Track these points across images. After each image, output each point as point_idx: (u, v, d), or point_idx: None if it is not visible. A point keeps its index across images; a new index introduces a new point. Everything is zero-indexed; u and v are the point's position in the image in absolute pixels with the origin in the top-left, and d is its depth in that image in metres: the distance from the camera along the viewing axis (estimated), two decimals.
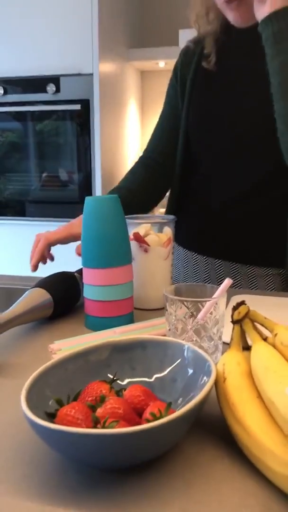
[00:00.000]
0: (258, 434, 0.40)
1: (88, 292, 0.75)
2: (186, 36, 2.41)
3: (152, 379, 0.51)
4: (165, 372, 0.50)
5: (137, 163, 1.13)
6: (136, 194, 1.06)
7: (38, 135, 2.28)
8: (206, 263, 1.08)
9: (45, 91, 2.21)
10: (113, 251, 0.73)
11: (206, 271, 1.08)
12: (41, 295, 0.75)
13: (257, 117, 0.95)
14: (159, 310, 0.82)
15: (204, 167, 1.06)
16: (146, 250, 0.81)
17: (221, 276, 1.06)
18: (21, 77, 2.24)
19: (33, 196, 2.34)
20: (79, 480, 0.40)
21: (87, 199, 0.74)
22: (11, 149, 2.34)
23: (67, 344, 0.67)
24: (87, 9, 2.10)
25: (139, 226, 0.83)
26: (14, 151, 2.33)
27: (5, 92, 2.28)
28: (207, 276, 1.08)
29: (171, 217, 0.86)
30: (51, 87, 2.19)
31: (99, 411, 0.42)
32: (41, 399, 0.43)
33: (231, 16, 0.94)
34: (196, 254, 1.10)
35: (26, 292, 0.75)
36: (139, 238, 0.81)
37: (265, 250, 1.02)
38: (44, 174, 2.30)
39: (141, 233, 0.82)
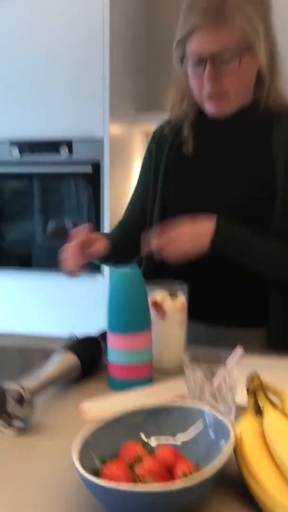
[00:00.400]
0: (270, 488, 0.49)
1: (112, 356, 0.83)
2: None
3: (178, 441, 0.59)
4: (189, 434, 0.59)
5: (115, 227, 1.25)
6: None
7: (48, 191, 2.44)
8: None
9: (58, 152, 2.36)
10: (136, 319, 0.83)
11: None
12: (70, 359, 0.83)
13: (230, 201, 1.05)
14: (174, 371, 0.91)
15: None
16: (163, 317, 0.90)
17: (202, 338, 1.08)
18: (35, 140, 2.40)
19: (38, 245, 2.46)
20: None
21: (112, 273, 0.85)
22: (17, 197, 2.48)
23: (96, 404, 0.75)
24: (98, 78, 2.27)
25: (154, 292, 0.92)
26: (19, 199, 2.48)
27: (20, 153, 2.43)
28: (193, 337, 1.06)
29: (183, 283, 0.95)
30: (64, 150, 2.34)
31: (138, 469, 0.50)
32: (87, 458, 0.51)
33: (210, 108, 1.04)
34: None
35: (57, 357, 0.84)
36: (157, 307, 0.90)
37: (246, 311, 1.08)
38: (51, 225, 2.43)
39: (158, 299, 0.91)
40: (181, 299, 0.93)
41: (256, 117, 1.06)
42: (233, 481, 0.54)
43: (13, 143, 2.45)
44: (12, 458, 0.61)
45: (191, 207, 1.07)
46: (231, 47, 0.95)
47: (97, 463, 0.52)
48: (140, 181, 1.23)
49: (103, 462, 0.52)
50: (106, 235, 1.15)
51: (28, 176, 2.50)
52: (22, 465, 0.59)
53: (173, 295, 0.92)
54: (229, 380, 0.67)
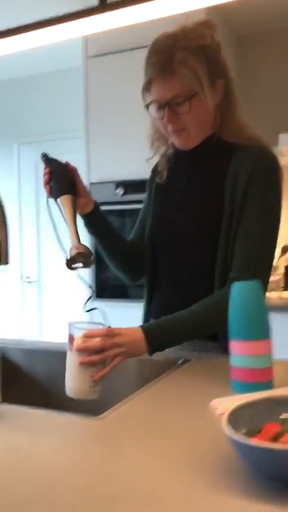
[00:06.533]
0: None
1: (236, 361, 0.91)
2: (286, 140, 2.66)
3: None
4: None
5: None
6: (123, 239, 1.36)
7: None
8: None
9: None
10: (256, 326, 0.90)
11: None
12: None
13: (196, 223, 1.20)
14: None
15: (163, 258, 1.30)
16: (70, 349, 0.95)
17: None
18: (137, 180, 2.59)
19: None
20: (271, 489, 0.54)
21: (235, 285, 0.93)
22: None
23: (225, 401, 0.82)
24: None
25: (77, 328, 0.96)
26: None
27: (125, 193, 2.64)
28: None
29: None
30: None
31: (282, 440, 0.57)
32: (235, 429, 0.59)
33: (176, 142, 1.21)
34: None
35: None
36: (70, 339, 0.95)
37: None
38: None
39: (74, 333, 0.95)
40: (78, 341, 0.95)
41: (216, 148, 1.20)
42: None
43: (119, 184, 2.66)
44: (159, 431, 0.70)
45: (163, 228, 1.28)
46: (180, 93, 1.11)
47: (245, 435, 0.59)
48: (142, 210, 1.41)
49: (250, 435, 0.59)
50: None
51: (123, 212, 2.69)
52: (168, 441, 0.68)
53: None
54: None
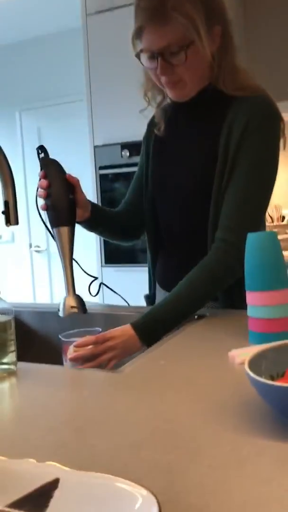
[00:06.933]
0: None
1: (253, 312, 0.90)
2: None
3: None
4: None
5: (118, 207, 1.36)
6: (114, 213, 1.32)
7: None
8: None
9: None
10: (273, 276, 0.89)
11: None
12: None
13: (194, 179, 1.15)
14: None
15: (162, 217, 1.26)
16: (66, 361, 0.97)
17: None
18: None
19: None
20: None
21: (250, 235, 0.91)
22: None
23: (244, 351, 0.82)
24: None
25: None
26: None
27: (131, 155, 2.59)
28: None
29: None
30: None
31: None
32: (257, 374, 0.58)
33: (170, 95, 1.15)
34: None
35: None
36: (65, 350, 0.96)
37: None
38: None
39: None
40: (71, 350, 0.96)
41: (213, 99, 1.13)
42: None
43: (124, 146, 2.61)
44: (179, 381, 0.70)
45: (163, 187, 1.22)
46: (175, 42, 1.03)
47: (267, 378, 0.58)
48: (138, 167, 1.35)
49: (272, 379, 0.58)
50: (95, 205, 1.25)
51: (129, 175, 2.65)
52: (189, 390, 0.68)
53: None
54: None
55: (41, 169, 1.10)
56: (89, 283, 1.27)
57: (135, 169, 2.70)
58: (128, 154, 2.66)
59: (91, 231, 1.29)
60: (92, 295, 1.26)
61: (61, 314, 1.02)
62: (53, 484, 0.40)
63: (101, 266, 2.72)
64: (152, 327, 1.00)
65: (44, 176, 1.09)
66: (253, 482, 0.44)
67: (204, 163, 1.15)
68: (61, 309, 1.02)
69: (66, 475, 0.41)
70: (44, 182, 1.08)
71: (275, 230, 1.89)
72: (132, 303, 1.34)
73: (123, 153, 2.68)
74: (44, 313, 1.34)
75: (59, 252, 1.06)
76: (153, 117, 1.31)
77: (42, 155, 1.10)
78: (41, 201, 1.11)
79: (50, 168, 1.09)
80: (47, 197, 1.08)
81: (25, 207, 3.87)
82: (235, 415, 0.58)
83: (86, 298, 1.22)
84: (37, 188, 1.10)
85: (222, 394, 0.65)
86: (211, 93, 1.14)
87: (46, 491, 0.39)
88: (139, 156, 1.36)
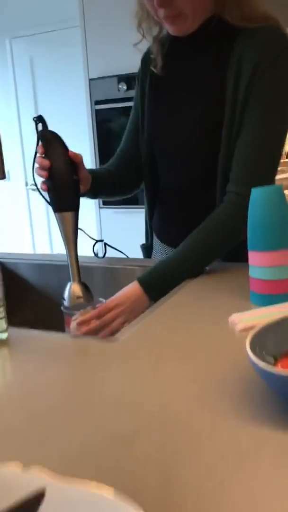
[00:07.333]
0: None
1: (255, 272, 0.85)
2: None
3: None
4: None
5: (112, 158, 1.26)
6: (112, 172, 1.20)
7: None
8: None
9: None
10: (277, 235, 0.83)
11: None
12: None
13: (197, 126, 1.06)
14: None
15: (161, 167, 1.18)
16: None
17: None
18: None
19: None
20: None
21: (254, 191, 0.84)
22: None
23: (245, 316, 0.78)
24: None
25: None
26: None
27: (128, 88, 2.44)
28: None
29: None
30: None
31: None
32: (259, 356, 0.55)
33: (169, 29, 1.02)
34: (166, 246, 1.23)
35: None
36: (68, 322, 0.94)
37: None
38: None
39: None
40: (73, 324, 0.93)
41: (218, 32, 1.01)
42: None
43: (121, 78, 2.46)
44: (176, 353, 0.67)
45: (162, 133, 1.13)
46: None
47: (270, 359, 0.55)
48: (133, 109, 1.23)
49: (275, 359, 0.55)
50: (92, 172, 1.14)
51: (126, 110, 2.51)
52: (187, 364, 0.64)
53: None
54: None
55: (38, 142, 0.99)
56: (92, 244, 1.22)
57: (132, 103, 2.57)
58: (125, 87, 2.51)
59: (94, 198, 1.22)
60: (98, 257, 1.21)
61: (66, 303, 0.98)
62: (37, 499, 0.37)
63: (99, 207, 2.65)
64: (160, 282, 0.96)
65: (44, 152, 0.98)
66: (252, 484, 0.41)
67: (209, 106, 1.04)
68: (66, 297, 0.99)
69: (53, 487, 0.38)
70: (45, 162, 0.97)
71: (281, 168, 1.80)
72: (132, 248, 1.30)
73: (120, 86, 2.54)
74: (43, 266, 1.30)
75: (62, 236, 1.00)
76: (148, 52, 1.17)
77: (40, 126, 0.99)
78: (39, 178, 1.02)
79: (52, 145, 0.98)
80: (48, 178, 0.98)
81: (19, 143, 3.74)
82: (235, 397, 0.55)
83: (92, 259, 1.18)
84: (34, 160, 1.00)
85: (222, 368, 0.62)
86: (215, 24, 1.01)
87: (30, 507, 0.37)
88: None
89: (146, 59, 1.17)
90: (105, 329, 0.90)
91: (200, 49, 1.06)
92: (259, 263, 0.85)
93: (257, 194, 0.84)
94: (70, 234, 0.99)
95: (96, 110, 2.62)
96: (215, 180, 1.06)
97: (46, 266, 1.30)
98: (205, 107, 1.06)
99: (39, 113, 3.25)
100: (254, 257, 0.85)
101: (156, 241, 1.28)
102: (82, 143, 3.03)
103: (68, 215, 0.98)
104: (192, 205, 1.13)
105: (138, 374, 0.62)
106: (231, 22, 1.00)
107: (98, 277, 1.22)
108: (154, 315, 0.84)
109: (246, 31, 0.98)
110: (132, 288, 0.95)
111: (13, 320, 0.80)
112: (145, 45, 1.15)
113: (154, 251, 1.30)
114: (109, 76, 2.56)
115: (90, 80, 2.62)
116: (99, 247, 1.22)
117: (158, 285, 0.96)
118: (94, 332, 0.91)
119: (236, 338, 0.72)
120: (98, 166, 2.69)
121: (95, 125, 2.63)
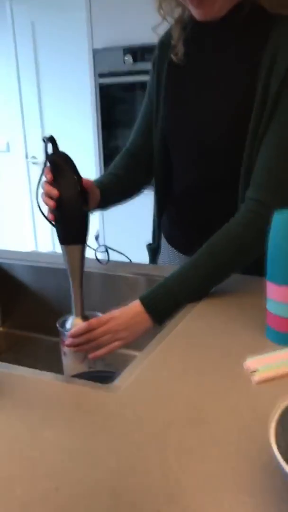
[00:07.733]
0: None
1: (273, 307, 0.76)
2: None
3: None
4: None
5: (120, 154, 1.15)
6: (121, 178, 1.10)
7: None
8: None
9: None
10: None
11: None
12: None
13: (221, 123, 0.95)
14: None
15: (176, 165, 1.07)
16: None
17: None
18: (150, 44, 2.23)
19: None
20: None
21: (276, 216, 0.74)
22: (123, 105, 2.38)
23: (262, 362, 0.70)
24: None
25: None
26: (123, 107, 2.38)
27: (135, 60, 2.28)
28: None
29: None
30: None
31: None
32: (283, 440, 0.46)
33: (195, 14, 0.90)
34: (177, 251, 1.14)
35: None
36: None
37: None
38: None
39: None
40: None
41: (250, 19, 0.89)
42: None
43: (127, 50, 2.30)
44: (184, 412, 0.59)
45: (179, 129, 1.02)
46: None
47: None
48: (146, 100, 1.11)
49: None
50: (98, 184, 1.03)
51: (132, 86, 2.37)
52: (198, 429, 0.56)
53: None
54: None
55: (46, 163, 0.88)
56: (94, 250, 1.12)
57: (139, 78, 2.41)
58: (131, 60, 2.35)
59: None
60: (102, 263, 1.11)
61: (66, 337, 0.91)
62: None
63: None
64: (164, 301, 0.87)
65: (52, 178, 0.87)
66: None
67: (237, 101, 0.93)
68: (67, 331, 0.91)
69: None
70: (54, 191, 0.86)
71: None
72: (137, 243, 1.19)
73: (126, 58, 2.37)
74: (40, 268, 1.21)
75: (67, 269, 0.91)
76: (167, 36, 1.04)
77: (49, 147, 0.87)
78: (43, 198, 0.91)
79: (62, 172, 0.87)
80: (55, 208, 0.87)
81: (19, 113, 3.58)
82: (255, 484, 0.47)
83: (94, 264, 1.09)
84: (38, 183, 0.89)
85: (237, 440, 0.54)
86: (249, 10, 0.89)
87: None
88: (144, 62, 1.11)
89: (164, 44, 1.04)
90: (94, 346, 0.85)
91: (229, 37, 0.93)
92: (279, 298, 0.75)
93: (280, 219, 0.74)
94: (77, 268, 0.90)
95: (100, 85, 2.47)
96: (237, 183, 0.96)
97: (43, 269, 1.21)
98: (231, 101, 0.94)
99: (41, 82, 3.07)
100: (273, 290, 0.76)
101: (164, 243, 1.19)
102: (83, 117, 2.89)
103: (75, 248, 0.90)
104: (208, 209, 1.03)
105: (140, 440, 0.54)
106: (268, 8, 0.87)
107: (98, 286, 1.14)
108: (158, 352, 0.76)
109: (284, 20, 0.87)
110: (133, 305, 0.88)
111: (7, 324, 0.72)
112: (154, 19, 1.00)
113: (161, 254, 1.20)
114: (114, 47, 2.40)
115: (94, 51, 2.45)
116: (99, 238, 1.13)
117: (161, 305, 0.87)
118: (85, 349, 0.86)
119: (253, 392, 0.64)
120: (100, 142, 2.55)
121: (98, 102, 2.48)
